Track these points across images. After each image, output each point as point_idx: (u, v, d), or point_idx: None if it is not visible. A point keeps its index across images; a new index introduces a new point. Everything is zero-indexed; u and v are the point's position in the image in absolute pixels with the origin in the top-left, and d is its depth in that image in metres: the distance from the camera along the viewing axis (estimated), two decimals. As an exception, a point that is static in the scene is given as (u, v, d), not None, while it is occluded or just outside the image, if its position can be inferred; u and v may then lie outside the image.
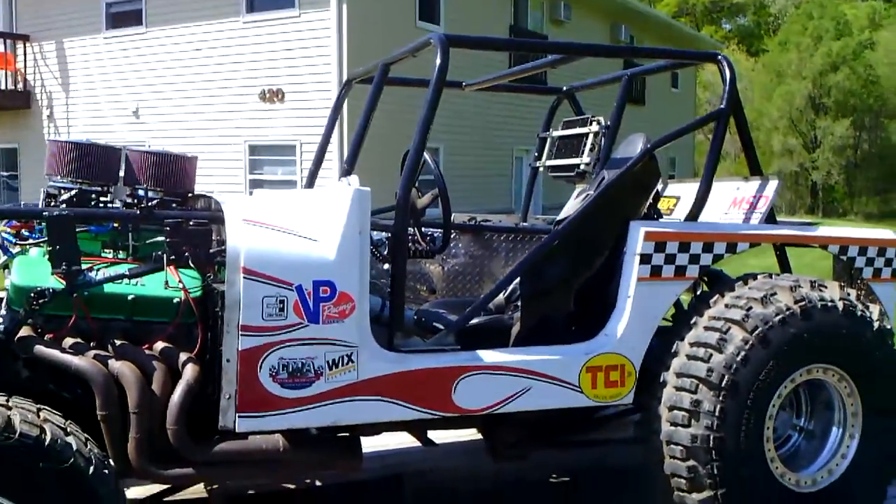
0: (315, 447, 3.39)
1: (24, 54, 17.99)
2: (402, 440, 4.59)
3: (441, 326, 3.65)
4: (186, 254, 3.24)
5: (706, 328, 3.62)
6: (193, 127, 15.51)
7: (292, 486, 4.34)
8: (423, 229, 3.94)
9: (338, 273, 3.15)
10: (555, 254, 3.72)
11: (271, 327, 3.08)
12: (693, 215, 3.90)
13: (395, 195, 3.42)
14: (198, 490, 4.25)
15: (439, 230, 3.89)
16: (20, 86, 18.12)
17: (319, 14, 13.90)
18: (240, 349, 3.06)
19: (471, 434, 4.89)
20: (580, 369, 3.55)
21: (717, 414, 3.47)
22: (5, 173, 18.68)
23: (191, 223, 3.27)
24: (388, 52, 4.08)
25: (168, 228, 3.24)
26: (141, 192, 3.65)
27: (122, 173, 3.73)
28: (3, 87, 18.04)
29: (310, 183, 4.66)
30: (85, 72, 17.09)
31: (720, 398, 3.48)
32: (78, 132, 16.72)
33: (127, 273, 3.31)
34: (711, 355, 3.53)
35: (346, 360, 3.18)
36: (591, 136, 4.59)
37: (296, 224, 3.21)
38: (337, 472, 3.56)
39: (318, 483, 4.46)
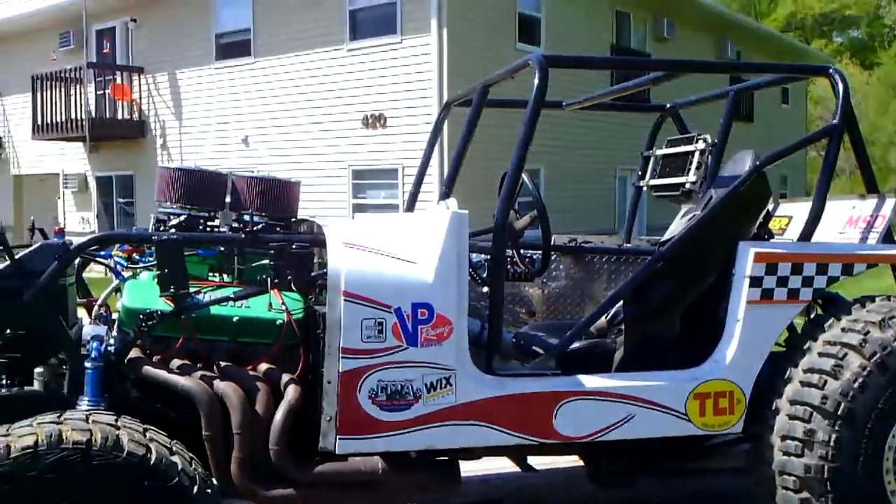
0: (414, 470, 3.37)
1: (139, 85, 18.84)
2: (502, 465, 4.53)
3: (541, 350, 3.58)
4: (289, 276, 3.29)
5: (821, 354, 3.45)
6: (299, 153, 15.89)
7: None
8: (522, 251, 3.89)
9: (436, 295, 3.13)
10: (659, 276, 3.61)
11: (371, 350, 3.09)
12: (806, 235, 3.73)
13: (494, 217, 3.39)
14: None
15: (539, 252, 3.84)
16: (136, 116, 18.97)
17: (421, 39, 14.07)
18: (340, 371, 3.08)
19: (572, 460, 4.79)
20: (687, 396, 3.43)
21: (832, 444, 3.30)
22: (122, 200, 19.56)
23: (293, 246, 3.32)
24: (488, 75, 4.07)
25: (272, 252, 3.30)
26: (246, 217, 3.73)
27: (228, 199, 3.82)
28: (120, 118, 18.95)
29: (410, 206, 4.68)
30: (196, 101, 17.76)
31: (836, 427, 3.30)
32: (190, 160, 17.37)
33: (232, 296, 3.38)
34: (826, 382, 3.35)
35: (444, 383, 3.15)
36: (697, 154, 4.45)
37: (394, 247, 3.22)
38: (436, 496, 3.53)
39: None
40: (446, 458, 3.43)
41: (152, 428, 2.94)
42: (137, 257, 3.71)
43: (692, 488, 4.56)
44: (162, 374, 3.22)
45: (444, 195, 4.07)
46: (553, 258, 4.61)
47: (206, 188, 3.71)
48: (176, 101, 18.26)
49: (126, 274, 3.64)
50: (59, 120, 18.89)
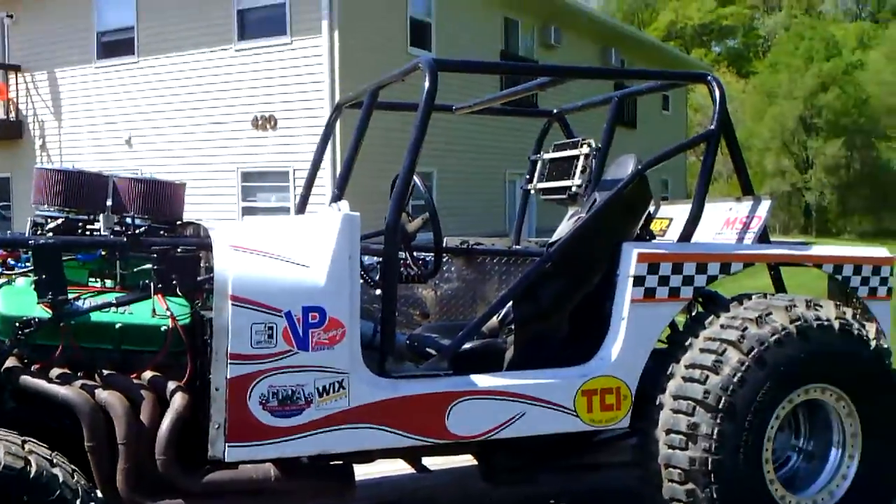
0: (307, 476, 3.33)
1: (17, 84, 17.99)
2: (397, 467, 4.53)
3: (434, 351, 3.61)
4: (174, 281, 3.21)
5: (702, 350, 3.58)
6: (186, 155, 15.48)
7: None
8: (414, 254, 3.91)
9: (327, 299, 3.11)
10: (547, 276, 3.69)
11: (260, 355, 3.04)
12: (686, 236, 3.88)
13: (385, 219, 3.39)
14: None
15: (431, 254, 3.86)
16: (12, 115, 18.10)
17: (312, 41, 13.93)
18: (229, 377, 3.02)
19: (465, 460, 4.83)
20: (575, 393, 3.51)
21: (714, 436, 3.43)
22: (-2, 203, 18.66)
23: (178, 250, 3.24)
24: (380, 77, 4.07)
25: (155, 256, 3.20)
26: (128, 220, 3.62)
27: (109, 201, 3.70)
28: (-6, 118, 18.06)
29: (301, 208, 4.63)
30: (76, 101, 17.06)
31: (717, 420, 3.44)
32: (70, 162, 16.68)
33: (114, 301, 3.27)
34: (708, 377, 3.49)
35: (336, 387, 3.13)
36: (581, 158, 4.57)
37: (284, 250, 3.18)
38: (330, 502, 3.50)
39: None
40: (340, 462, 3.41)
41: (31, 440, 2.81)
42: (13, 262, 3.54)
43: (590, 483, 4.65)
44: (41, 384, 3.09)
45: (336, 197, 4.04)
46: (445, 260, 4.64)
47: (86, 190, 3.58)
48: (56, 101, 17.51)
49: (0, 280, 3.48)
50: (-74, 119, 17.86)
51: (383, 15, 14.80)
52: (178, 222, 3.80)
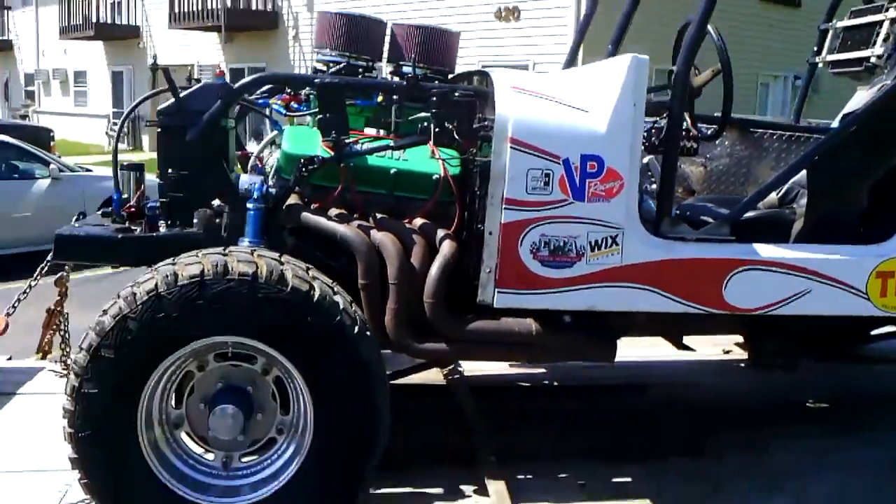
0: (568, 334, 3.24)
1: (273, -24, 18.89)
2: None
3: (710, 220, 3.36)
4: (452, 126, 3.17)
5: None
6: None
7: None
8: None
9: (607, 148, 2.94)
10: (846, 147, 3.31)
11: (535, 202, 2.95)
12: None
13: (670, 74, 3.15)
14: (434, 377, 4.31)
15: (710, 126, 3.59)
16: (269, 6, 19.06)
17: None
18: (502, 222, 2.96)
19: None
20: (869, 274, 3.17)
21: None
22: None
23: (457, 94, 3.19)
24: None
25: (434, 99, 3.17)
26: (406, 69, 3.61)
27: (386, 48, 3.71)
28: (254, 8, 19.09)
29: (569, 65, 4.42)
30: (328, -8, 17.69)
31: None
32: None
33: (392, 144, 3.29)
34: None
35: (609, 242, 3.00)
36: (886, 23, 4.04)
37: (567, 94, 3.03)
38: (588, 360, 3.42)
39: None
40: (602, 323, 3.29)
41: (313, 268, 2.91)
42: (296, 105, 3.66)
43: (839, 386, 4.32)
44: (321, 221, 3.18)
45: (610, 55, 3.83)
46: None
47: (366, 35, 3.60)
48: (308, -8, 18.24)
49: (284, 125, 3.60)
50: (195, 9, 19.20)
51: None
52: (450, 74, 3.75)
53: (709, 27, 3.17)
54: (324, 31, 3.59)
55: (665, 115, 3.30)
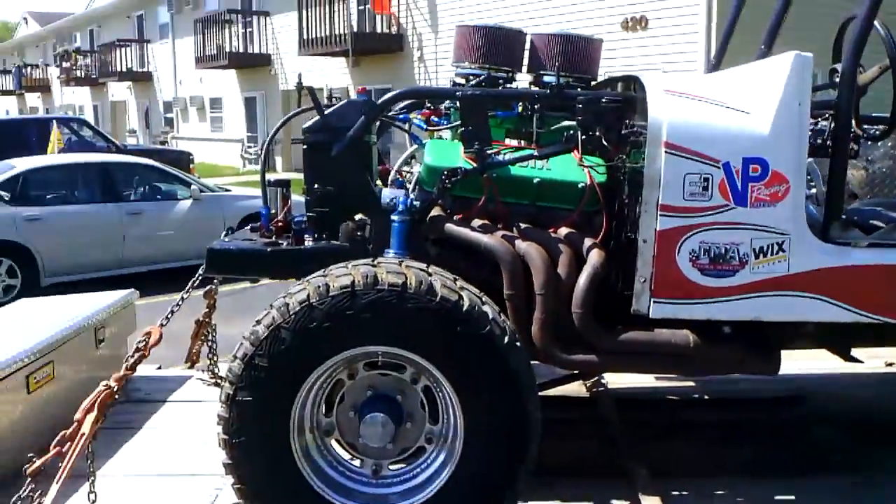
0: (728, 345, 3.07)
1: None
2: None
3: (881, 224, 3.13)
4: (599, 133, 3.07)
5: None
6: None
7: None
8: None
9: (771, 150, 2.78)
10: None
11: (693, 208, 2.81)
12: None
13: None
14: (576, 389, 4.19)
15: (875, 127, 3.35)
16: (394, 29, 19.39)
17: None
18: (658, 229, 2.84)
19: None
20: None
21: None
22: (383, 115, 20.24)
23: (603, 101, 3.09)
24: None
25: (580, 106, 3.08)
26: (547, 78, 3.54)
27: (525, 59, 3.65)
28: (379, 31, 19.46)
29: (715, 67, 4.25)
30: (451, 11, 17.84)
31: None
32: (444, 73, 17.51)
33: (535, 154, 3.22)
34: None
35: (775, 248, 2.82)
36: None
37: (724, 95, 2.89)
38: (749, 372, 3.24)
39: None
40: (763, 333, 3.10)
41: (460, 279, 2.87)
42: (436, 119, 3.64)
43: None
44: (465, 231, 3.14)
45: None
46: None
47: (506, 46, 3.55)
48: (432, 13, 18.45)
49: (424, 140, 3.59)
50: (323, 35, 19.75)
51: None
52: (593, 81, 3.65)
53: (875, 22, 2.96)
54: (462, 44, 3.56)
55: (826, 115, 3.11)
